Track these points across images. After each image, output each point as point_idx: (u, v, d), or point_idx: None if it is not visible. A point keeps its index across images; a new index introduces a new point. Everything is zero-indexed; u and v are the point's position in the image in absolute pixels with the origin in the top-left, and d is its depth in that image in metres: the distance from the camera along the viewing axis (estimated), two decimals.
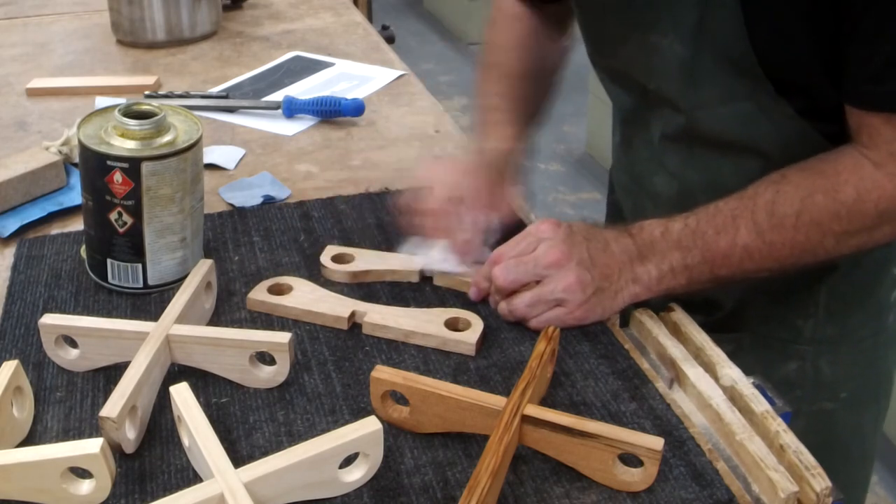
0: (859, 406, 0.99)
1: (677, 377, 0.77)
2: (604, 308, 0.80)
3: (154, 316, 0.77)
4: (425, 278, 0.88)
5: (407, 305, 0.84)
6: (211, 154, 1.13)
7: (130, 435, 0.67)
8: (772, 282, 0.93)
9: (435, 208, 0.87)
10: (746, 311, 0.96)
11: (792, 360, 0.95)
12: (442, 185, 0.88)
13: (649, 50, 0.86)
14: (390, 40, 2.09)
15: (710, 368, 0.76)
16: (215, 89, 1.36)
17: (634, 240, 0.81)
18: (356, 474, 0.64)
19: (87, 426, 0.70)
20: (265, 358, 0.74)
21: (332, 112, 1.24)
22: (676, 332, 0.81)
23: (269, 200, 1.03)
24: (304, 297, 0.83)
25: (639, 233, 0.81)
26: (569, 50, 1.09)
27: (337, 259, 0.89)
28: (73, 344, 0.75)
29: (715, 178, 0.89)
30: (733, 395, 0.73)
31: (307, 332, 0.81)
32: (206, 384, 0.74)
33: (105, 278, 0.85)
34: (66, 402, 0.73)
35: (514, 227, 0.87)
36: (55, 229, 0.98)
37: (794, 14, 0.75)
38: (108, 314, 0.82)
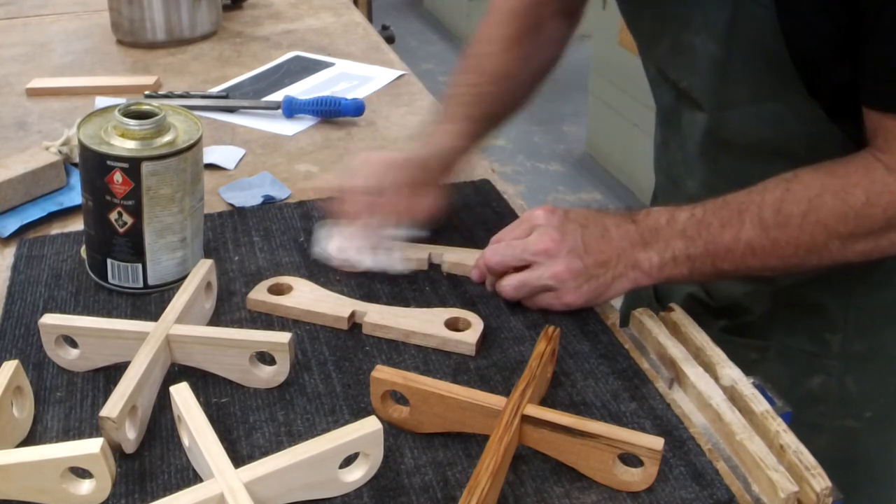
0: (886, 426, 0.97)
1: (677, 377, 0.77)
2: (597, 295, 0.80)
3: (154, 316, 0.77)
4: (433, 265, 0.89)
5: (407, 305, 0.84)
6: (211, 154, 1.13)
7: (130, 435, 0.67)
8: (800, 293, 0.92)
9: (349, 194, 0.89)
10: (774, 320, 0.94)
11: (818, 374, 0.94)
12: (364, 175, 0.89)
13: (682, 48, 0.85)
14: (390, 40, 2.09)
15: (710, 368, 0.76)
16: (215, 89, 1.36)
17: (638, 226, 0.81)
18: (356, 474, 0.64)
19: (87, 426, 0.70)
20: (265, 358, 0.74)
21: (332, 112, 1.24)
22: (676, 332, 0.81)
23: (269, 200, 1.03)
24: (304, 297, 0.83)
25: (644, 219, 0.81)
26: (562, 52, 1.06)
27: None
28: (73, 344, 0.75)
29: (743, 188, 0.87)
30: (733, 395, 0.73)
31: (307, 332, 0.81)
32: (206, 384, 0.74)
33: (105, 278, 0.85)
34: (66, 402, 0.73)
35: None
36: (55, 229, 0.98)
37: (826, 12, 0.74)
38: (108, 314, 0.82)
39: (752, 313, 0.95)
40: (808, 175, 0.78)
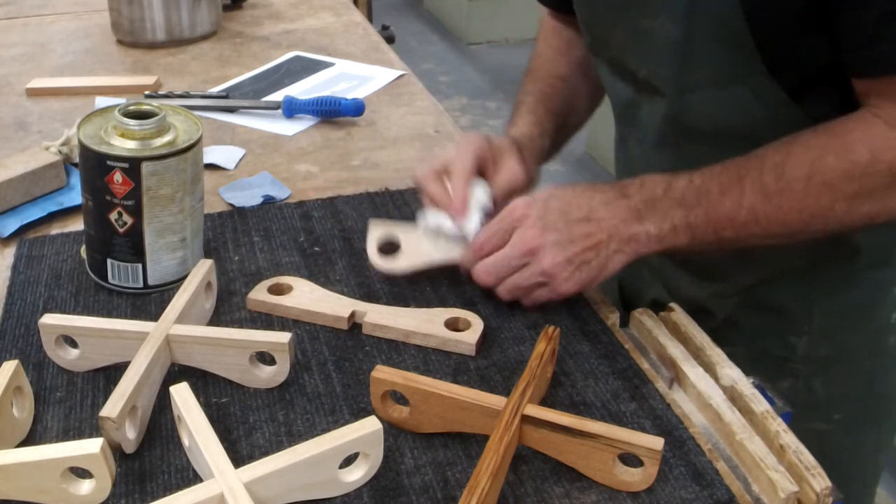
0: (856, 429, 0.97)
1: (677, 377, 0.77)
2: (593, 278, 0.80)
3: (154, 316, 0.77)
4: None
5: (407, 305, 0.84)
6: (211, 154, 1.13)
7: (130, 435, 0.67)
8: (764, 296, 0.92)
9: (425, 176, 0.88)
10: (739, 324, 0.94)
11: (785, 377, 0.94)
12: (437, 158, 0.89)
13: (640, 34, 0.85)
14: (390, 40, 2.09)
15: (710, 368, 0.76)
16: (215, 89, 1.36)
17: (630, 200, 0.79)
18: (356, 474, 0.64)
19: (87, 426, 0.70)
20: (265, 358, 0.74)
21: (332, 112, 1.24)
22: (676, 332, 0.81)
23: (269, 200, 1.03)
24: (304, 297, 0.83)
25: (638, 191, 0.80)
26: None
27: (383, 250, 0.88)
28: (73, 344, 0.75)
29: None
30: (733, 395, 0.73)
31: (307, 332, 0.81)
32: (206, 384, 0.74)
33: (105, 278, 0.85)
34: (66, 402, 0.73)
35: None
36: (55, 229, 0.98)
37: None
38: (108, 314, 0.82)
39: (716, 318, 0.95)
40: (807, 137, 0.77)
